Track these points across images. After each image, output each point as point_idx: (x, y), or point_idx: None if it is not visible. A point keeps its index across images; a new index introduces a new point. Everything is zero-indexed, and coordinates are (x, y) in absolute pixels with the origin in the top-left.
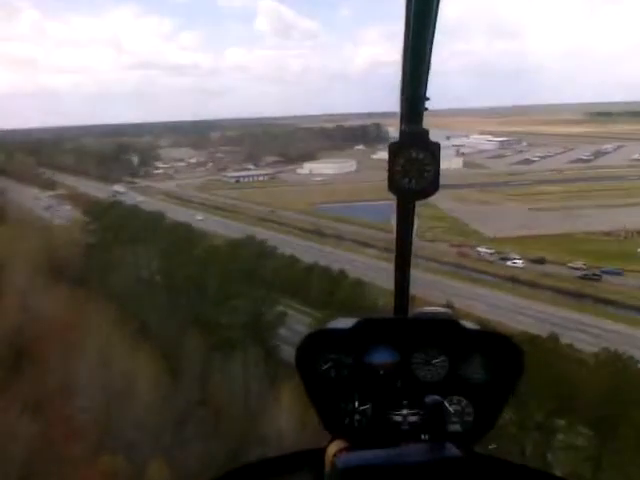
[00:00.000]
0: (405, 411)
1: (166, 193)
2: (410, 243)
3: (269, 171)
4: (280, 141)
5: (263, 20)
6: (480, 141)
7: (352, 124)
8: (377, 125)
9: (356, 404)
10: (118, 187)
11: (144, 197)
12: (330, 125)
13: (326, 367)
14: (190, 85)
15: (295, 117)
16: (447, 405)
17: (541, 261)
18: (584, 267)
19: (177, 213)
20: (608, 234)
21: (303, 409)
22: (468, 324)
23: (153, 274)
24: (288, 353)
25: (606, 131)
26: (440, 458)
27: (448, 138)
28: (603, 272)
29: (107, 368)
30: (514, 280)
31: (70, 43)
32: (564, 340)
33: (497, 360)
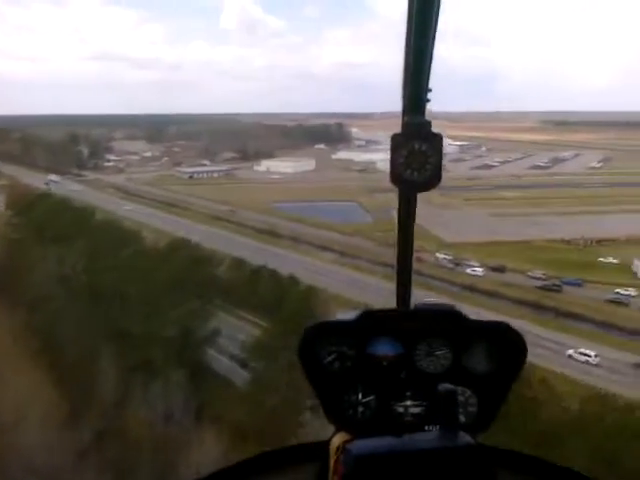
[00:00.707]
0: (409, 402)
1: (114, 187)
2: (412, 235)
3: (225, 167)
4: (239, 138)
5: (229, 16)
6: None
7: (314, 123)
8: (339, 125)
9: (359, 396)
10: (54, 177)
11: (89, 190)
12: (292, 124)
13: (329, 359)
14: (152, 78)
15: (258, 114)
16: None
17: (501, 269)
18: (544, 277)
19: (119, 208)
20: (568, 242)
21: (228, 445)
22: (471, 315)
23: (72, 278)
24: (220, 375)
25: (564, 139)
26: (454, 446)
27: None
28: (563, 283)
29: None
30: (472, 289)
31: (30, 30)
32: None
33: (500, 350)
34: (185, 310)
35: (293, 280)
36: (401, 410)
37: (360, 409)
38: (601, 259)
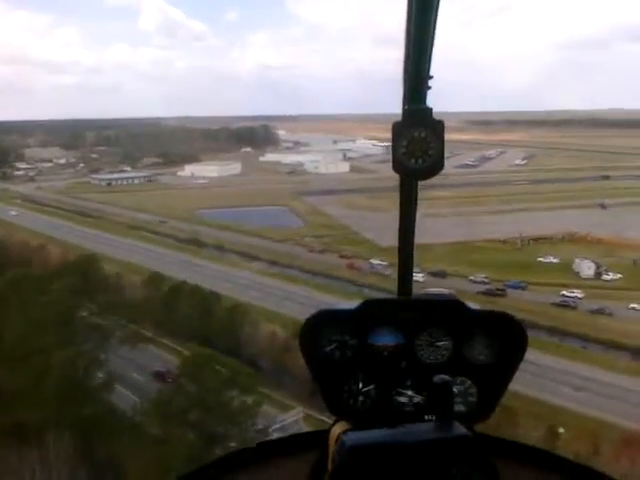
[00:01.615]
0: (409, 392)
1: (22, 197)
2: (413, 224)
3: (146, 173)
4: (161, 142)
5: (147, 19)
6: (367, 146)
7: (239, 126)
8: (265, 127)
9: (360, 385)
10: None
11: None
12: (216, 127)
13: (330, 348)
14: (70, 82)
15: (180, 118)
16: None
17: (441, 274)
18: (486, 280)
19: (21, 220)
20: (504, 242)
21: None
22: (472, 305)
23: None
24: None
25: (487, 138)
26: (448, 436)
27: (335, 142)
28: (507, 286)
29: None
30: None
31: None
32: None
33: (501, 340)
34: (75, 349)
35: (216, 296)
36: (401, 400)
37: (360, 398)
38: (541, 259)
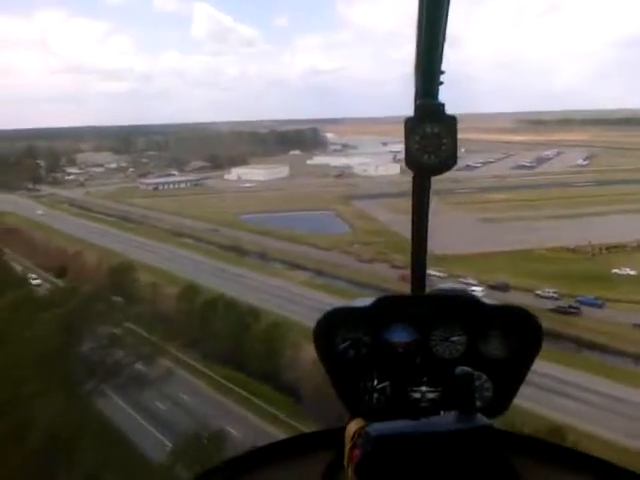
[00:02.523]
0: (424, 388)
1: (69, 202)
2: (426, 220)
3: (193, 177)
4: (209, 146)
5: (199, 26)
6: None
7: (288, 129)
8: (314, 130)
9: (375, 382)
10: None
11: (38, 205)
12: (265, 130)
13: (344, 346)
14: (123, 90)
15: (230, 123)
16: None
17: (503, 288)
18: (556, 296)
19: (62, 225)
20: (573, 251)
21: None
22: (487, 300)
23: None
24: None
25: (543, 139)
26: (471, 427)
27: (385, 144)
28: (581, 303)
29: None
30: None
31: None
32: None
33: (516, 335)
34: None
35: (254, 313)
36: (417, 396)
37: (375, 395)
38: (616, 270)
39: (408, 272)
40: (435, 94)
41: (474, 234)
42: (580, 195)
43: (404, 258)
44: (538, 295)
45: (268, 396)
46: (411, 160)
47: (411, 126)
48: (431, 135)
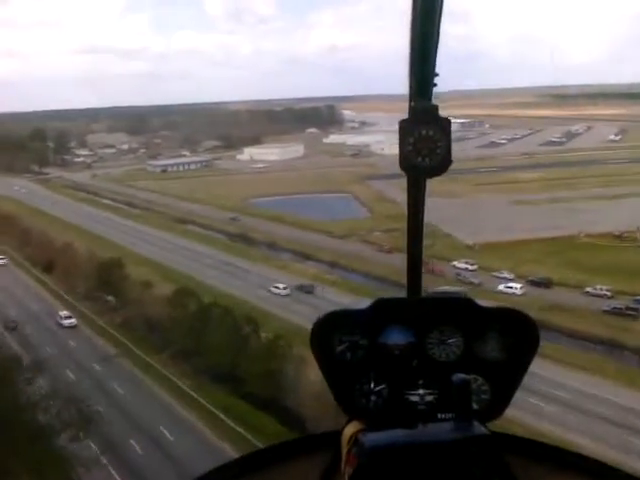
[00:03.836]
0: (421, 391)
1: (75, 186)
2: (422, 222)
3: (204, 158)
4: (223, 125)
5: (213, 3)
6: None
7: (303, 106)
8: (330, 107)
9: (372, 385)
10: None
11: (41, 189)
12: (280, 108)
13: (341, 349)
14: (140, 70)
15: (246, 102)
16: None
17: (546, 284)
18: (609, 294)
19: (62, 212)
20: (620, 238)
21: None
22: (483, 302)
23: None
24: None
25: (569, 113)
26: (468, 436)
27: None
28: (639, 303)
29: None
30: None
31: (11, 25)
32: None
33: (513, 337)
34: None
35: (254, 324)
36: (413, 399)
37: (372, 398)
38: None
39: (434, 264)
40: (429, 96)
41: (506, 219)
42: (617, 173)
43: (429, 247)
44: (588, 293)
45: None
46: (405, 162)
47: (405, 128)
48: (425, 137)
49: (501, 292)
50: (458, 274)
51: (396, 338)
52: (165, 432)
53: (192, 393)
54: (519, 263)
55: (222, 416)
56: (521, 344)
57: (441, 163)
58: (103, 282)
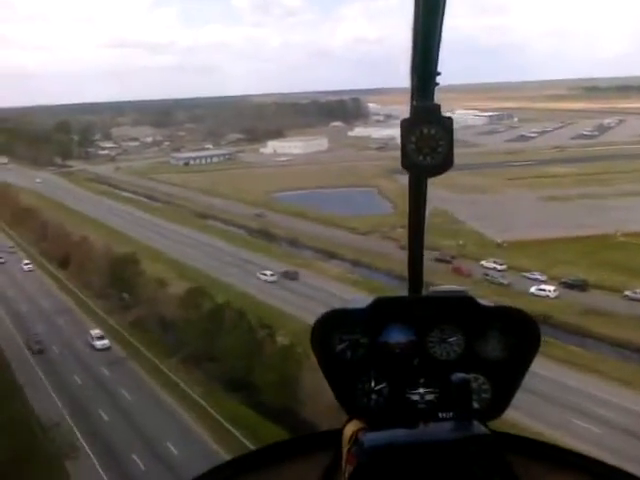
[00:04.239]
0: (422, 390)
1: (97, 179)
2: (423, 220)
3: (227, 151)
4: (248, 118)
5: None
6: (466, 116)
7: (329, 99)
8: (356, 100)
9: (372, 384)
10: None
11: (62, 182)
12: (305, 101)
13: (342, 347)
14: (167, 63)
15: (272, 95)
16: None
17: (580, 286)
18: None
19: (84, 206)
20: None
21: None
22: (484, 301)
23: None
24: None
25: (600, 106)
26: (468, 436)
27: None
28: None
29: None
30: (546, 324)
31: (42, 19)
32: None
33: (514, 336)
34: None
35: (269, 330)
36: (414, 397)
37: (373, 397)
38: None
39: (461, 263)
40: (431, 95)
41: (537, 215)
42: None
43: (457, 245)
44: (627, 297)
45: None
46: (407, 161)
47: (407, 127)
48: (427, 136)
49: (533, 295)
50: (486, 274)
51: (397, 337)
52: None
53: (203, 403)
54: (551, 263)
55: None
56: (522, 343)
57: (443, 162)
58: (117, 278)
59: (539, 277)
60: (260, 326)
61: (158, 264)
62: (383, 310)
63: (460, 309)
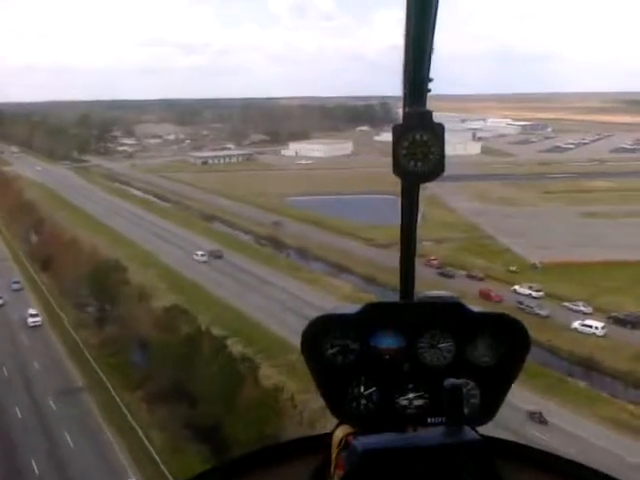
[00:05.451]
0: (411, 395)
1: (110, 175)
2: (415, 226)
3: (248, 151)
4: (274, 119)
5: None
6: (499, 124)
7: (357, 104)
8: (384, 105)
9: (362, 389)
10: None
11: (74, 176)
12: (332, 104)
13: (332, 352)
14: (202, 63)
15: (304, 98)
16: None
17: (635, 323)
18: None
19: (90, 204)
20: None
21: None
22: (474, 307)
23: None
24: None
25: (638, 120)
26: (459, 441)
27: (463, 121)
28: None
29: None
30: (591, 368)
31: (81, 19)
32: None
33: (503, 342)
34: None
35: (251, 364)
36: (404, 403)
37: (363, 402)
38: None
39: (489, 286)
40: (423, 102)
41: (577, 233)
42: None
43: (486, 264)
44: None
45: None
46: (398, 167)
47: (399, 133)
48: (420, 143)
49: (576, 331)
50: (520, 302)
51: (387, 342)
52: None
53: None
54: (596, 291)
55: None
56: (512, 349)
57: (434, 168)
58: (99, 287)
59: (583, 309)
60: (242, 359)
61: (149, 271)
62: (373, 315)
63: (450, 315)
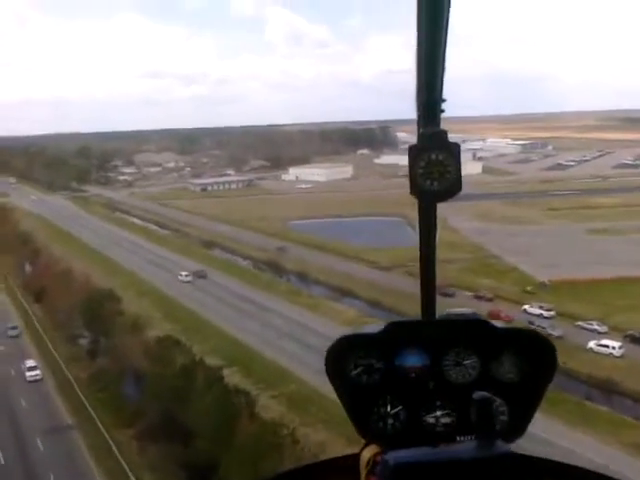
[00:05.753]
0: (438, 413)
1: (109, 204)
2: (434, 245)
3: (248, 177)
4: (273, 145)
5: (273, 29)
6: (499, 144)
7: (356, 128)
8: (384, 128)
9: (388, 408)
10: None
11: (71, 206)
12: (332, 128)
13: (357, 372)
14: (200, 93)
15: (302, 124)
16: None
17: None
18: None
19: (87, 233)
20: None
21: None
22: (497, 323)
23: None
24: None
25: (636, 137)
26: (492, 455)
27: (463, 142)
28: None
29: None
30: (612, 391)
31: (81, 49)
32: None
33: (529, 358)
34: None
35: (248, 398)
36: (431, 421)
37: (390, 421)
38: None
39: (499, 307)
40: (437, 122)
41: (585, 250)
42: None
43: (493, 283)
44: None
45: None
46: (415, 187)
47: (415, 153)
48: (435, 162)
49: (592, 351)
50: (531, 322)
51: (411, 360)
52: None
53: None
54: (609, 310)
55: None
56: (538, 365)
57: (451, 187)
58: (93, 318)
59: (598, 328)
60: (235, 391)
61: (144, 300)
62: (396, 334)
63: (474, 332)
